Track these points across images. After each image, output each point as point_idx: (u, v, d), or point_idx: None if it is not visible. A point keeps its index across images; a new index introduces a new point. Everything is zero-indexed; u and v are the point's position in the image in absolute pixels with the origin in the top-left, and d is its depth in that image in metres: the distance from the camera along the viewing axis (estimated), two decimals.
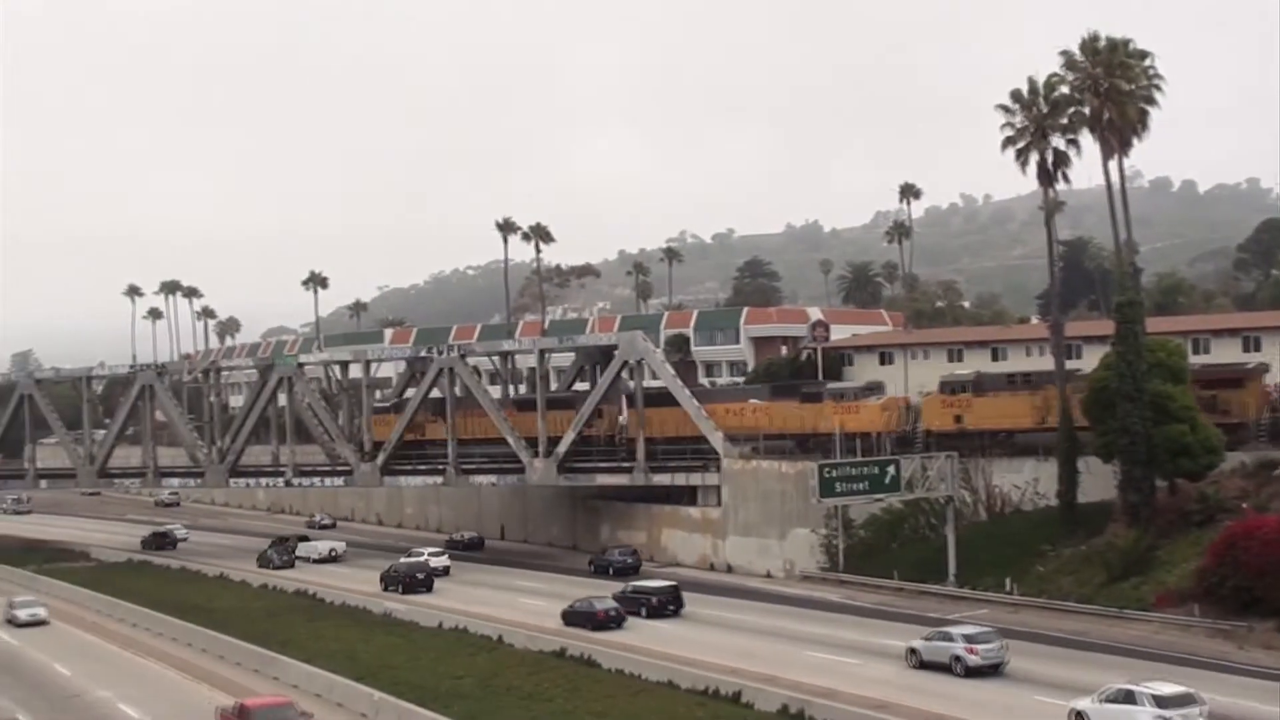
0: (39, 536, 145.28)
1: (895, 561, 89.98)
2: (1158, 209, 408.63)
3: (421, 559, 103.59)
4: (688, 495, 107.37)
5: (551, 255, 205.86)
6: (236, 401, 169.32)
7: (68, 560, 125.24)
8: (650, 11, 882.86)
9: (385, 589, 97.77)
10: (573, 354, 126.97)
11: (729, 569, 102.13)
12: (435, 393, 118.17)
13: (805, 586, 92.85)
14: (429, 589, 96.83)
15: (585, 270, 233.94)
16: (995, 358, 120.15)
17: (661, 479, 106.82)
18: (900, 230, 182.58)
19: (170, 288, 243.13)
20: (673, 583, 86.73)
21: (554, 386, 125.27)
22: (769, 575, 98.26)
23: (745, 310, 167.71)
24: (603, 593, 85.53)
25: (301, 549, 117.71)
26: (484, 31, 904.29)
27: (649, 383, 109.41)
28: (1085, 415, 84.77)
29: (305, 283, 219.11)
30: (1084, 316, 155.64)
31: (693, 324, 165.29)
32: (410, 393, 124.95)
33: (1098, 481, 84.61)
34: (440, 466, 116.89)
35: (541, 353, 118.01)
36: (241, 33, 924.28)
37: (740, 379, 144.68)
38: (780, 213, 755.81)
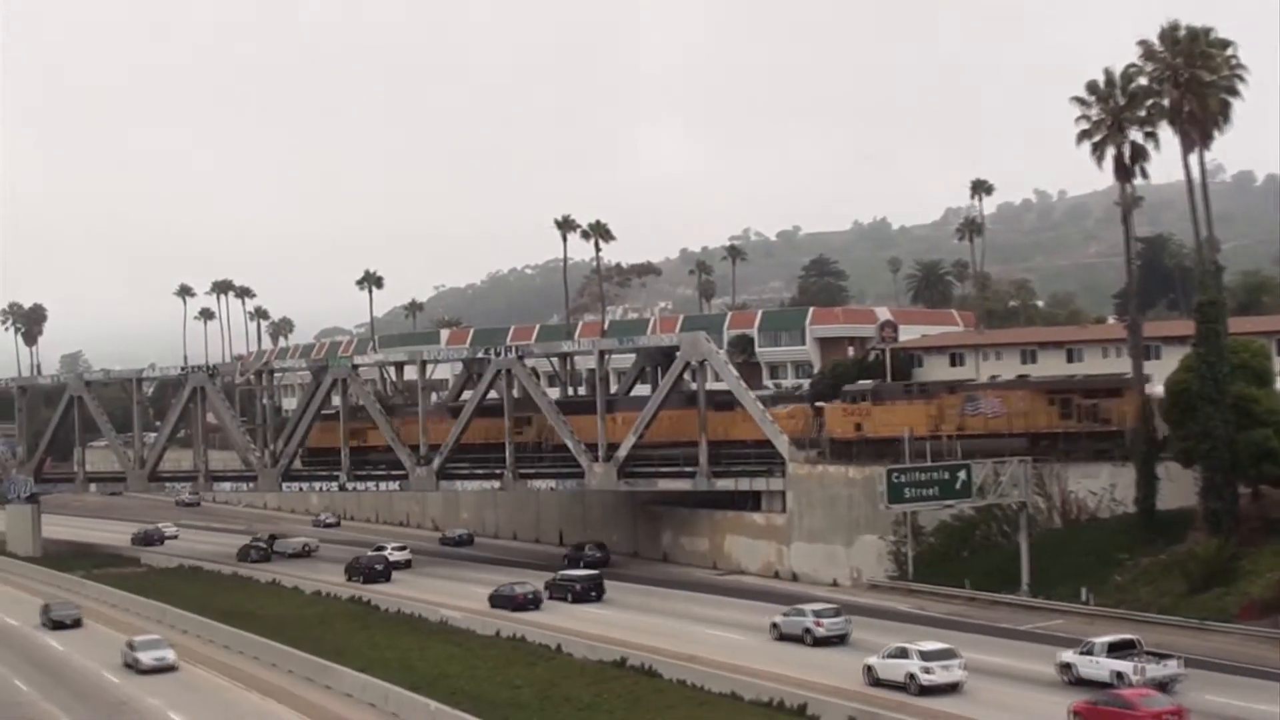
0: (87, 540, 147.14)
1: (966, 570, 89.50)
2: (1241, 205, 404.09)
3: (384, 553, 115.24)
4: (751, 501, 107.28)
5: (611, 254, 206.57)
6: (290, 404, 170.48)
7: (117, 565, 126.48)
8: (715, 3, 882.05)
9: (349, 579, 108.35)
10: (633, 355, 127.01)
11: (794, 577, 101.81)
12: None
13: (873, 595, 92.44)
14: (388, 579, 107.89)
15: (646, 269, 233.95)
16: (1070, 359, 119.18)
17: (725, 484, 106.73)
18: (971, 227, 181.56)
19: (222, 288, 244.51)
20: (596, 573, 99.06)
21: (614, 389, 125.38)
22: (835, 584, 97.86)
23: (811, 310, 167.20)
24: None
25: (278, 545, 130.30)
26: (546, 26, 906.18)
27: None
28: (1165, 419, 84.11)
29: (360, 282, 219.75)
30: (1163, 317, 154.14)
31: (757, 324, 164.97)
32: (467, 395, 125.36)
33: (1178, 488, 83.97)
34: (498, 471, 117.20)
35: (601, 354, 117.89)
36: (296, 32, 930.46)
37: (806, 381, 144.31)
38: (847, 209, 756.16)
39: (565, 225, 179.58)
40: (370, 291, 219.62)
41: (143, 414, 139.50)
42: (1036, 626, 77.64)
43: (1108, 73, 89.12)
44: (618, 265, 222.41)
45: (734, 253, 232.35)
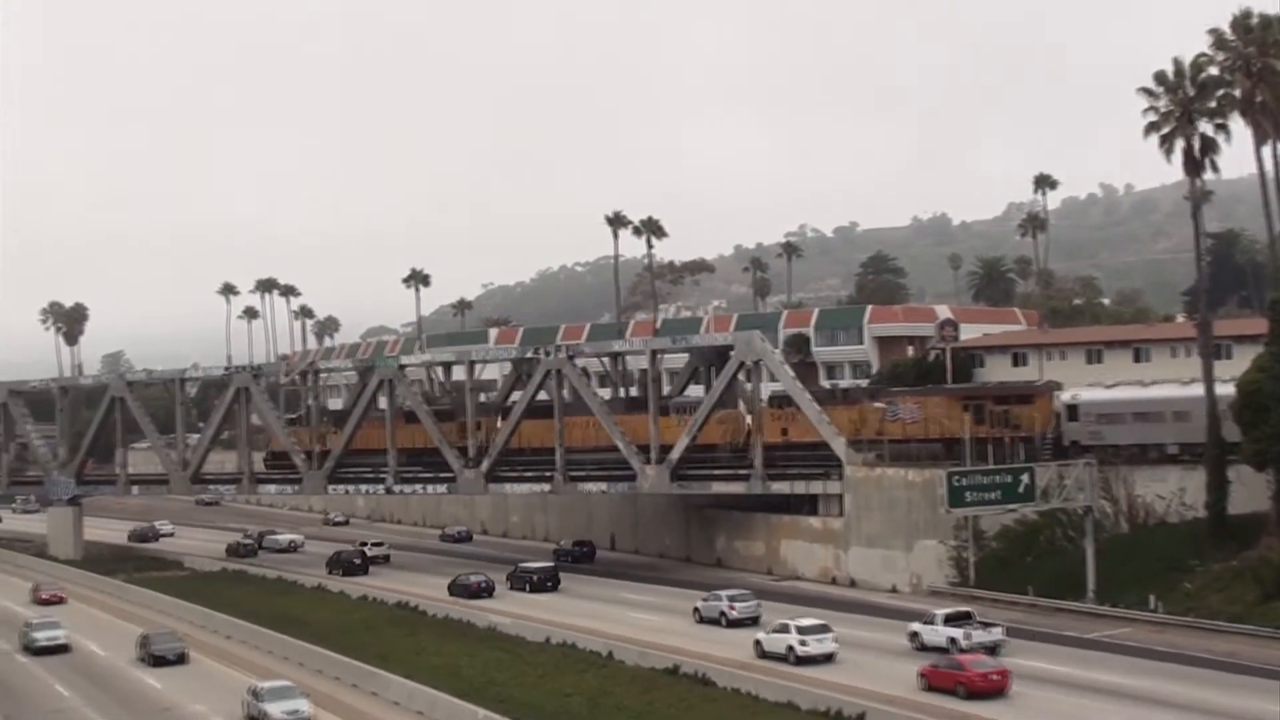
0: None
1: (1030, 576, 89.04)
2: None
3: (363, 548, 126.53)
4: (808, 504, 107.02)
5: (664, 251, 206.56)
6: (335, 404, 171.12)
7: (160, 569, 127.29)
8: None
9: (329, 572, 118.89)
10: (686, 355, 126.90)
11: (852, 583, 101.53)
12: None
13: (933, 602, 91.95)
14: (365, 572, 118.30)
15: (699, 266, 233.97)
16: (1138, 359, 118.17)
17: (780, 487, 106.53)
18: (1035, 223, 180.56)
19: (266, 286, 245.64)
20: (551, 565, 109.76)
21: (666, 389, 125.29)
22: (894, 590, 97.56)
23: (869, 308, 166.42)
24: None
25: (266, 541, 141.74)
26: (594, 21, 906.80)
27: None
28: (1236, 421, 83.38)
29: (406, 280, 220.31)
30: (1234, 315, 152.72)
31: (813, 323, 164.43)
32: (516, 395, 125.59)
33: (1250, 492, 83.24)
34: (547, 474, 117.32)
35: (653, 353, 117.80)
36: (344, 28, 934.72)
37: (864, 381, 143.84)
38: (906, 205, 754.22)
39: (616, 222, 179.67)
40: (417, 290, 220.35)
41: (186, 415, 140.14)
42: (1103, 635, 77.14)
43: (1176, 63, 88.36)
44: (670, 262, 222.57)
45: (790, 249, 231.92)
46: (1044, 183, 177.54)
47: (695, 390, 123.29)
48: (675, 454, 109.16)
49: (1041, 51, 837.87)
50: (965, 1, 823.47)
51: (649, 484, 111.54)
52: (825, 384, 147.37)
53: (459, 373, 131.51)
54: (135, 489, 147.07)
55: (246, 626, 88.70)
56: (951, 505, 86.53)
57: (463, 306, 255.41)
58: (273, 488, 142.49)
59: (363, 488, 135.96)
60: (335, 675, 74.30)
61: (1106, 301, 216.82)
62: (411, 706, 66.09)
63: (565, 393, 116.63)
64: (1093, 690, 64.58)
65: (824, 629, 75.17)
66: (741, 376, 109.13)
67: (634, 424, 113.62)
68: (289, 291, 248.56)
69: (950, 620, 76.14)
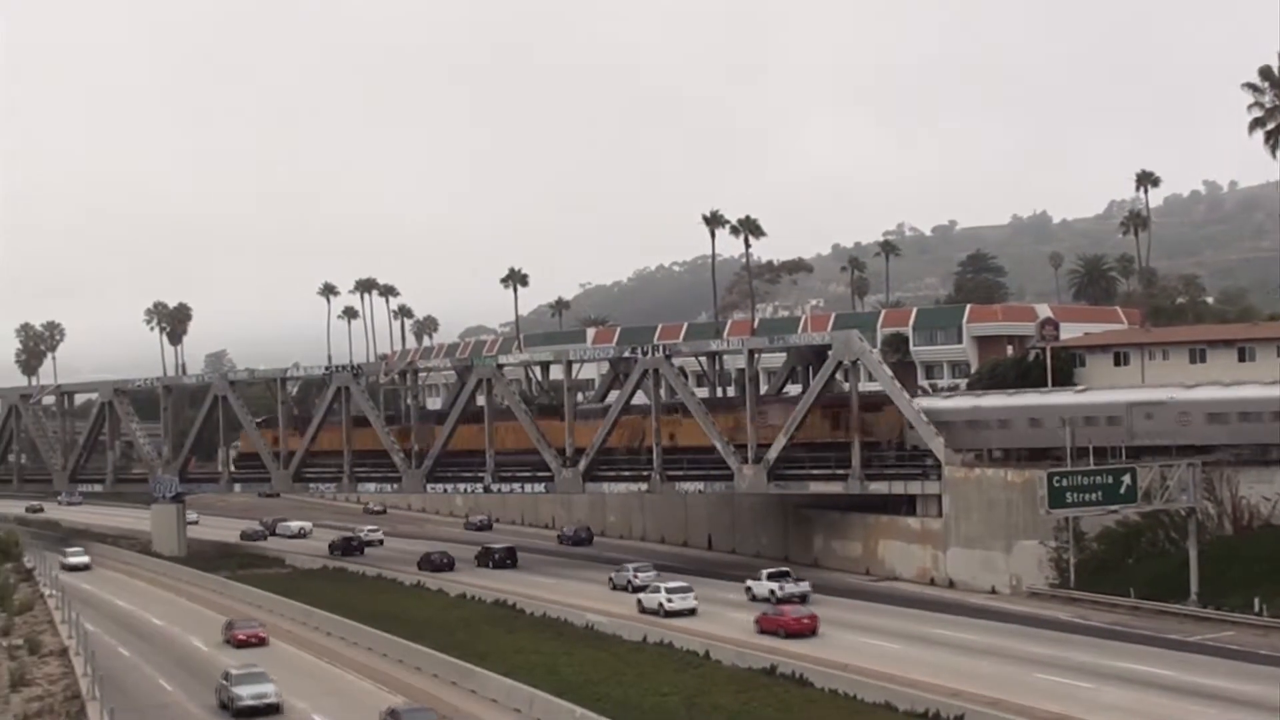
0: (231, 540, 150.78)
1: (1131, 578, 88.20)
2: None
3: (360, 533, 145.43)
4: (906, 505, 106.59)
5: (761, 250, 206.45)
6: (434, 403, 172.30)
7: (262, 566, 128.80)
8: None
9: (331, 554, 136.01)
10: (784, 354, 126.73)
11: (950, 584, 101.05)
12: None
13: (1033, 604, 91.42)
14: (361, 553, 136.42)
15: (797, 265, 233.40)
16: (1242, 358, 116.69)
17: (878, 487, 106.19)
18: (1136, 221, 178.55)
19: (365, 286, 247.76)
20: (510, 545, 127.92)
21: (764, 389, 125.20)
22: (994, 591, 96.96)
23: (968, 308, 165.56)
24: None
25: (279, 528, 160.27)
26: (697, 20, 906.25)
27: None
28: None
29: (505, 280, 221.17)
30: None
31: (911, 322, 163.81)
32: (614, 395, 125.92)
33: None
34: (644, 473, 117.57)
35: (751, 353, 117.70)
36: (445, 27, 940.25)
37: (963, 381, 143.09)
38: (1005, 203, 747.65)
39: (714, 221, 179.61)
40: (515, 290, 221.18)
41: (287, 413, 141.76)
42: (1206, 638, 76.26)
43: None
44: (768, 262, 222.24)
45: (888, 248, 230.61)
46: (1146, 180, 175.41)
47: (793, 389, 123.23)
48: (773, 454, 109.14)
49: (1147, 50, 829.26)
50: (1073, 1, 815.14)
51: (746, 484, 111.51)
52: (923, 384, 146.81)
53: (557, 372, 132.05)
54: (237, 486, 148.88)
55: (346, 623, 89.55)
56: (1052, 506, 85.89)
57: (560, 306, 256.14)
58: (372, 486, 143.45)
59: (461, 486, 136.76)
60: (434, 672, 74.86)
61: (1210, 300, 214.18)
62: (509, 704, 66.46)
63: (662, 392, 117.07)
64: (1194, 694, 63.85)
65: (687, 590, 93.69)
66: (839, 376, 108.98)
67: (551, 429, 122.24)
68: (388, 291, 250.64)
69: (772, 577, 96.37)
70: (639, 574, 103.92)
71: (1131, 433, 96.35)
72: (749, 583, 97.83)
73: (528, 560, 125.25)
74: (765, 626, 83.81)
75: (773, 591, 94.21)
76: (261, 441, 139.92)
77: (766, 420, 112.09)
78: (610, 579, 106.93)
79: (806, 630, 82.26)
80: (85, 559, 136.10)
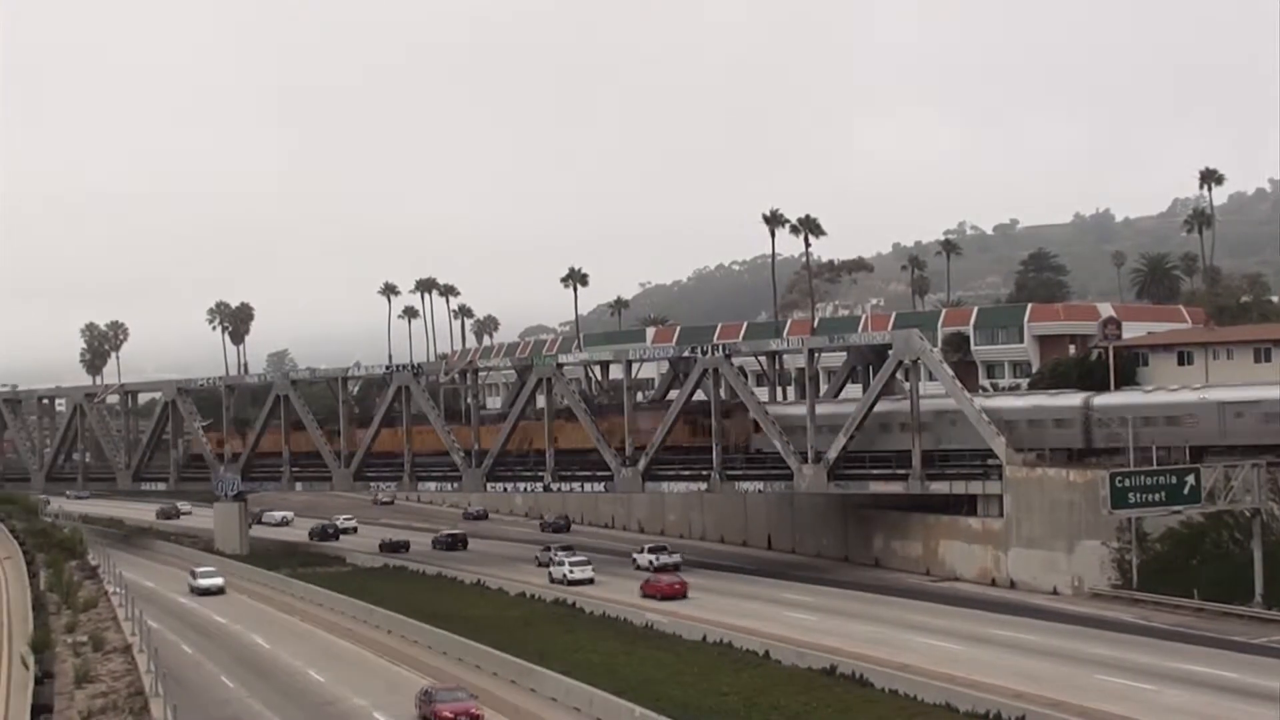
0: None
1: (1195, 579, 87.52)
2: None
3: (335, 521, 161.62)
4: (967, 505, 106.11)
5: (821, 249, 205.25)
6: (494, 403, 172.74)
7: (323, 564, 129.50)
8: None
9: (310, 539, 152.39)
10: (844, 354, 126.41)
11: (1012, 584, 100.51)
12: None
13: (1095, 605, 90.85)
14: (336, 539, 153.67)
15: (857, 265, 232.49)
16: None
17: (939, 487, 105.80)
18: (1200, 219, 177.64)
19: (426, 286, 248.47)
20: (462, 532, 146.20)
21: (823, 389, 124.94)
22: (1055, 592, 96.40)
23: (1029, 307, 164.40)
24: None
25: (265, 517, 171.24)
26: (756, 20, 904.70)
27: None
28: None
29: (564, 280, 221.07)
30: None
31: (972, 322, 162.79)
32: (673, 394, 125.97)
33: None
34: (704, 472, 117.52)
35: (811, 352, 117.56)
36: (505, 28, 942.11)
37: (1024, 381, 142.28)
38: (1067, 201, 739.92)
39: (773, 220, 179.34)
40: (575, 289, 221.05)
41: (348, 413, 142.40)
42: (1272, 640, 75.61)
43: None
44: (828, 261, 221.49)
45: (948, 247, 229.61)
46: (1210, 178, 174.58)
47: (853, 389, 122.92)
48: (833, 453, 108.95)
49: (1212, 47, 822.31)
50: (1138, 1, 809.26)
51: (806, 483, 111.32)
52: (984, 383, 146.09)
53: (616, 371, 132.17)
54: (299, 485, 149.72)
55: (407, 621, 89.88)
56: (1114, 506, 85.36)
57: (620, 305, 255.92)
58: (432, 485, 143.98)
59: (522, 486, 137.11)
60: (493, 670, 75.08)
61: (1276, 299, 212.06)
62: (568, 703, 66.58)
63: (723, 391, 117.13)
64: (1259, 697, 63.19)
65: (586, 562, 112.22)
66: (900, 375, 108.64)
67: (460, 433, 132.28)
68: (448, 291, 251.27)
69: (651, 551, 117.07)
70: (563, 557, 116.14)
71: (1224, 432, 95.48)
72: (634, 556, 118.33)
73: (499, 546, 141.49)
74: (647, 591, 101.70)
75: (650, 561, 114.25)
76: (323, 440, 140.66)
77: (637, 425, 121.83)
78: (536, 558, 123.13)
79: (677, 594, 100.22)
80: (218, 580, 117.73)
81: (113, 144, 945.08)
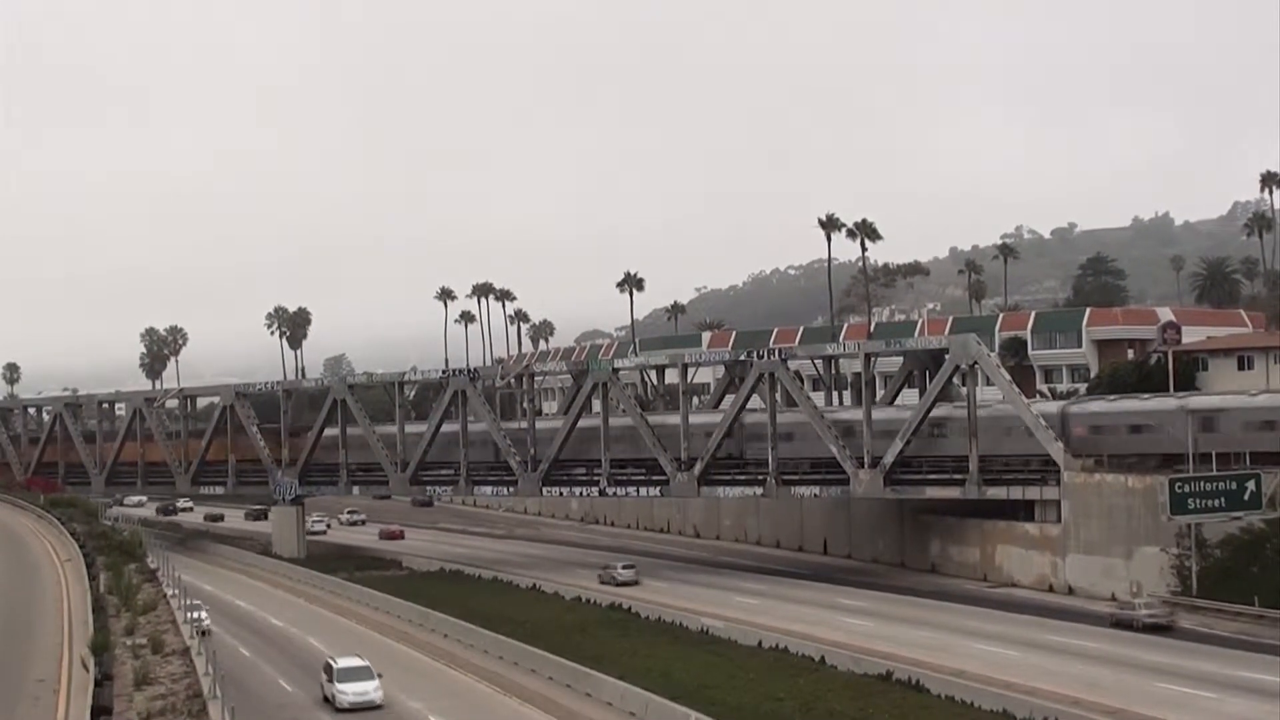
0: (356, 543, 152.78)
1: (1256, 586, 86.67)
2: None
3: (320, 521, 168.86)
4: (1024, 510, 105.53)
5: (878, 253, 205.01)
6: (550, 407, 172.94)
7: (379, 568, 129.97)
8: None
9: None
10: (900, 358, 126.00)
11: (1069, 590, 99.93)
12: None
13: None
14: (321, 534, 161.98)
15: (914, 269, 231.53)
16: None
17: (996, 493, 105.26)
18: (1260, 222, 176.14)
19: (482, 290, 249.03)
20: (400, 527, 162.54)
21: (879, 393, 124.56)
22: (1114, 598, 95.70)
23: (1087, 311, 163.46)
24: None
25: (229, 516, 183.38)
26: (815, 24, 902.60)
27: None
28: None
29: (620, 284, 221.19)
30: None
31: (1030, 326, 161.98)
32: (729, 399, 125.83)
33: None
34: (760, 477, 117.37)
35: (867, 357, 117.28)
36: (562, 33, 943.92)
37: (1082, 386, 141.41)
38: (1126, 205, 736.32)
39: (830, 224, 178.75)
40: (631, 294, 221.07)
41: (404, 417, 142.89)
42: None
43: None
44: (884, 265, 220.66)
45: (1005, 251, 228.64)
46: (1271, 180, 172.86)
47: (909, 394, 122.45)
48: (889, 458, 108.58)
49: (1274, 53, 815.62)
50: (1204, 2, 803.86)
51: (862, 488, 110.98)
52: (1042, 388, 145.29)
53: (672, 376, 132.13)
54: (355, 489, 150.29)
55: (463, 625, 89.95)
56: (1173, 512, 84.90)
57: (676, 310, 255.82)
58: (488, 489, 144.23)
59: (578, 490, 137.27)
60: (549, 675, 75.07)
61: None
62: (624, 708, 66.54)
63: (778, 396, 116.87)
64: None
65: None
66: (956, 380, 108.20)
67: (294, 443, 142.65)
68: (504, 296, 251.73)
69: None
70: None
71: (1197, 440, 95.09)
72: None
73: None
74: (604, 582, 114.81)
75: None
76: (379, 445, 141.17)
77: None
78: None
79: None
80: (371, 685, 69.72)
81: (182, 148, 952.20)
